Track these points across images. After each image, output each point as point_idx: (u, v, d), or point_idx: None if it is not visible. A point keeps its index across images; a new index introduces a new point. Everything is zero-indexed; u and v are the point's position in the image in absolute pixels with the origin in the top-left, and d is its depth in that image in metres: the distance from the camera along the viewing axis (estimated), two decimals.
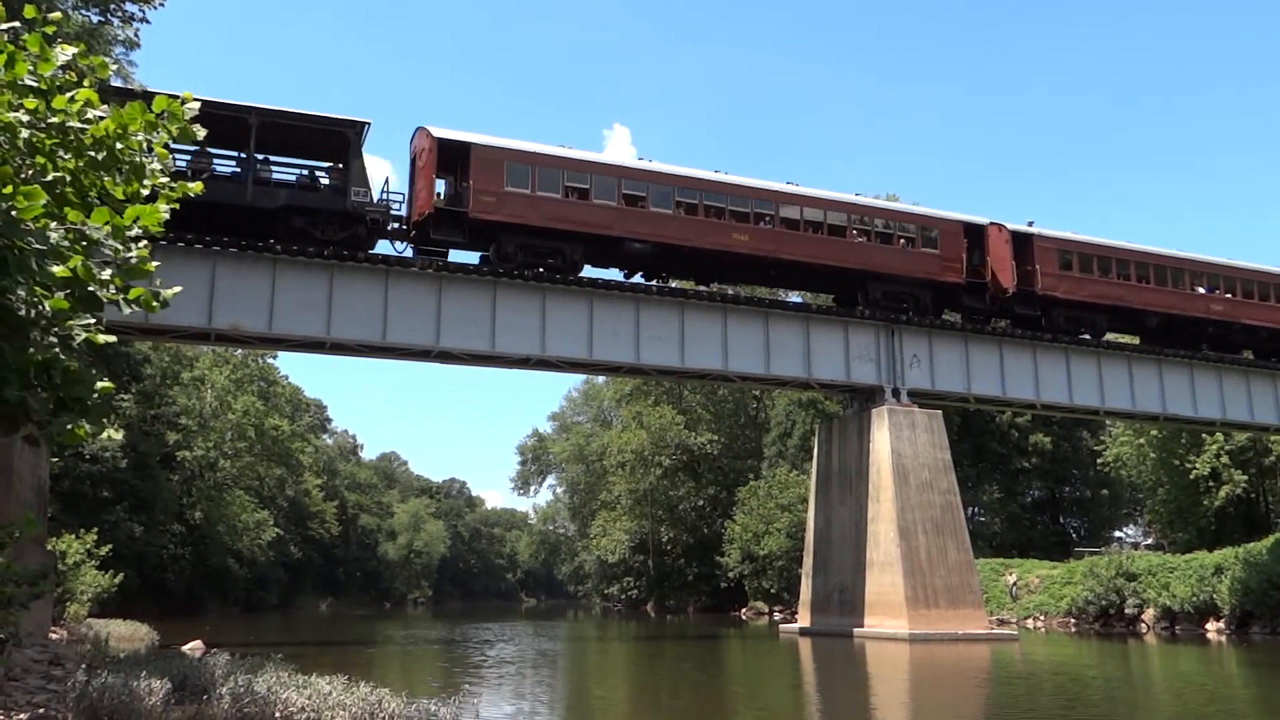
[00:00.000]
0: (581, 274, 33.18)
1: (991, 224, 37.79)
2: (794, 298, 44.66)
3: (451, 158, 30.25)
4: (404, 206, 30.55)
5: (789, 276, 37.42)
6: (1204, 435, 52.36)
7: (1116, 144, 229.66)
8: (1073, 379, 38.91)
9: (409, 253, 30.93)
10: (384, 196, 29.88)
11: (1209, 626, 40.58)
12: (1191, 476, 53.58)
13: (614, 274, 35.13)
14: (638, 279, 34.68)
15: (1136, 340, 42.14)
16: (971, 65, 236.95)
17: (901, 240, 35.88)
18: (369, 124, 29.10)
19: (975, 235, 37.22)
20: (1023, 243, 37.40)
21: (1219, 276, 40.92)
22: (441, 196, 30.75)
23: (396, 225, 30.56)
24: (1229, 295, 40.72)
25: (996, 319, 38.49)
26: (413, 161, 31.05)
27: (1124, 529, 75.34)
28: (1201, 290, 40.42)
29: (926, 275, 36.04)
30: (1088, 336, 39.02)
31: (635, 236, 32.09)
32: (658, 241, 32.35)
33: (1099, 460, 64.29)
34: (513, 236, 30.71)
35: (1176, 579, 42.26)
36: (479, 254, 32.32)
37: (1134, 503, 71.81)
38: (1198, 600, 40.74)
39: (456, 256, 31.86)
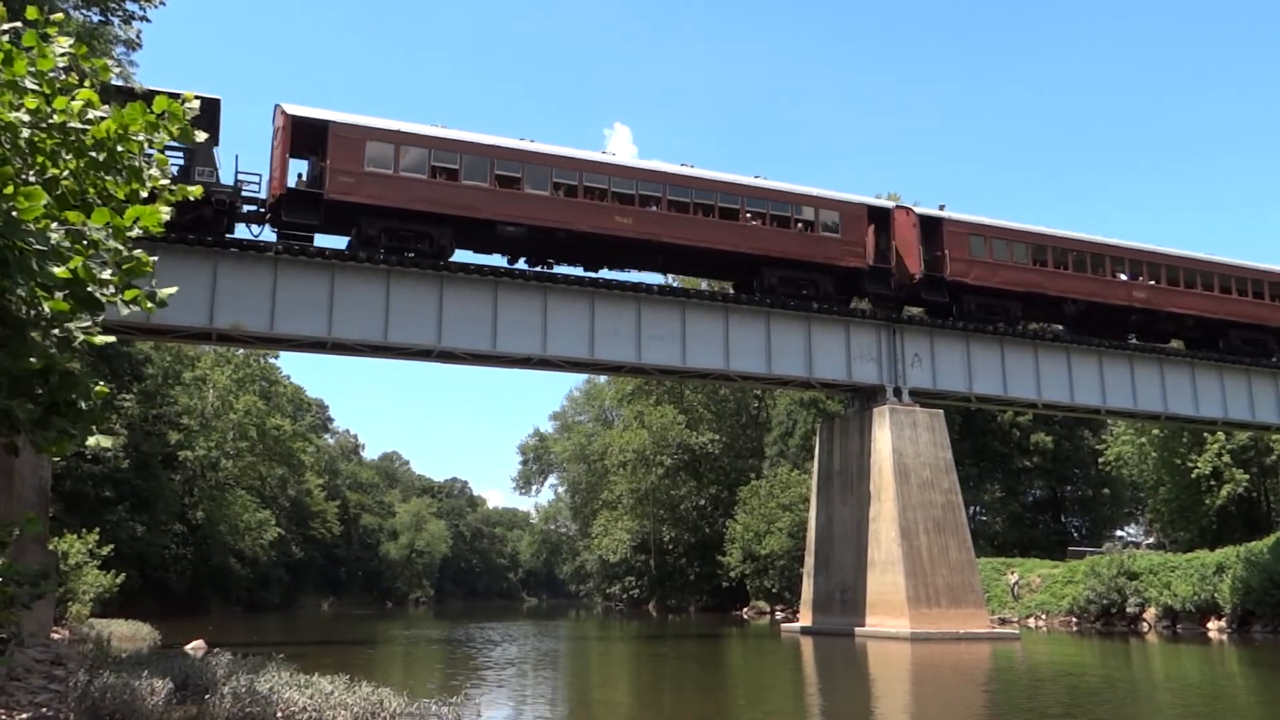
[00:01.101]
0: (583, 274, 33.22)
1: (898, 207, 36.84)
2: (703, 284, 43.28)
3: (310, 137, 29.11)
4: (263, 188, 29.42)
5: (678, 262, 35.47)
6: (1205, 434, 52.33)
7: (1116, 144, 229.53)
8: (1074, 378, 38.89)
9: (270, 236, 29.83)
10: (238, 177, 28.91)
11: (1210, 625, 40.56)
12: (1193, 475, 53.56)
13: (616, 274, 35.06)
14: (650, 274, 34.90)
15: (1059, 328, 41.26)
16: (972, 65, 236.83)
17: (799, 224, 34.53)
18: (219, 100, 27.34)
19: (881, 219, 36.03)
20: (932, 227, 36.25)
21: (1142, 263, 39.65)
22: (303, 178, 29.60)
23: (256, 208, 29.44)
24: (1152, 282, 39.45)
25: (903, 306, 37.45)
26: (272, 141, 30.03)
27: (1125, 528, 75.34)
28: (1123, 277, 39.16)
29: (826, 260, 34.64)
30: (1002, 324, 37.63)
31: (508, 219, 30.64)
32: (533, 225, 30.94)
33: (1100, 459, 64.26)
34: (374, 219, 29.32)
35: (1178, 578, 42.24)
36: (345, 238, 31.00)
37: (1135, 502, 71.77)
38: (1199, 599, 40.72)
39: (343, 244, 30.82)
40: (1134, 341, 40.76)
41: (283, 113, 29.15)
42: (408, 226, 29.91)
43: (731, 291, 36.04)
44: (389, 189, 29.20)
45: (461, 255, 32.26)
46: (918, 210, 36.44)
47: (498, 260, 32.93)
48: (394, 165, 29.30)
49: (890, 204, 36.54)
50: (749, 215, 33.97)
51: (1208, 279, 40.48)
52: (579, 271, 33.62)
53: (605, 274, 34.07)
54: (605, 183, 32.11)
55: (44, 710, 10.79)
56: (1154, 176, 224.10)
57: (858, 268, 34.99)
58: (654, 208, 32.68)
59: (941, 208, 37.17)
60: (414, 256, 30.45)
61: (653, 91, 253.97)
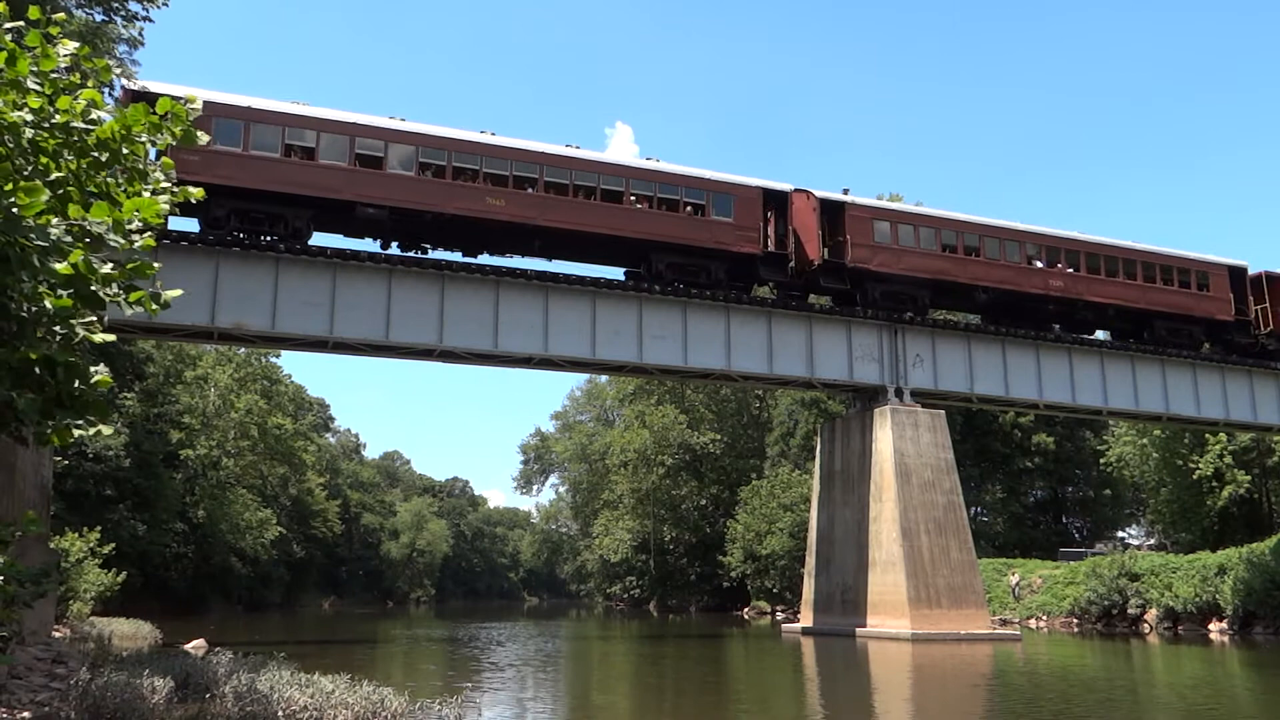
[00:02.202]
0: (584, 274, 33.21)
1: (797, 190, 35.36)
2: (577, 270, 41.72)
3: None
4: None
5: (558, 246, 33.39)
6: (1207, 435, 52.29)
7: (1117, 144, 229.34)
8: (1075, 379, 38.87)
9: None
10: None
11: (1212, 627, 40.50)
12: (1194, 476, 53.51)
13: (616, 273, 34.99)
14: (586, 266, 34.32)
15: (975, 317, 40.53)
16: (973, 65, 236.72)
17: (689, 207, 33.12)
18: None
19: (778, 203, 34.59)
20: (834, 212, 35.07)
21: (1060, 250, 38.40)
22: None
23: None
24: (1071, 270, 38.15)
25: (804, 293, 36.32)
26: None
27: (1127, 529, 75.26)
28: (1040, 264, 37.89)
29: (718, 245, 33.26)
30: (910, 314, 36.48)
31: (369, 200, 29.14)
32: (396, 206, 29.61)
33: (1102, 460, 64.21)
34: (223, 201, 27.78)
35: (1179, 579, 42.19)
36: (196, 221, 29.53)
37: (1137, 503, 71.72)
38: (1200, 601, 40.67)
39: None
40: (1057, 330, 39.82)
41: (125, 91, 27.70)
42: (260, 208, 28.52)
43: (734, 292, 35.70)
44: (238, 169, 27.68)
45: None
46: (818, 194, 35.13)
47: (388, 248, 31.81)
48: (243, 143, 27.99)
49: (788, 187, 34.84)
50: (633, 199, 32.56)
51: (1130, 267, 39.25)
52: (580, 270, 33.65)
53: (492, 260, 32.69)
54: (476, 163, 30.63)
55: (45, 708, 10.79)
56: (1155, 177, 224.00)
57: (752, 253, 33.66)
58: (530, 190, 31.24)
59: (845, 192, 35.90)
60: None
61: (654, 91, 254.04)
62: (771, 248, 34.19)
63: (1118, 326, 40.94)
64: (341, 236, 32.01)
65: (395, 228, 30.89)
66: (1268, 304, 41.09)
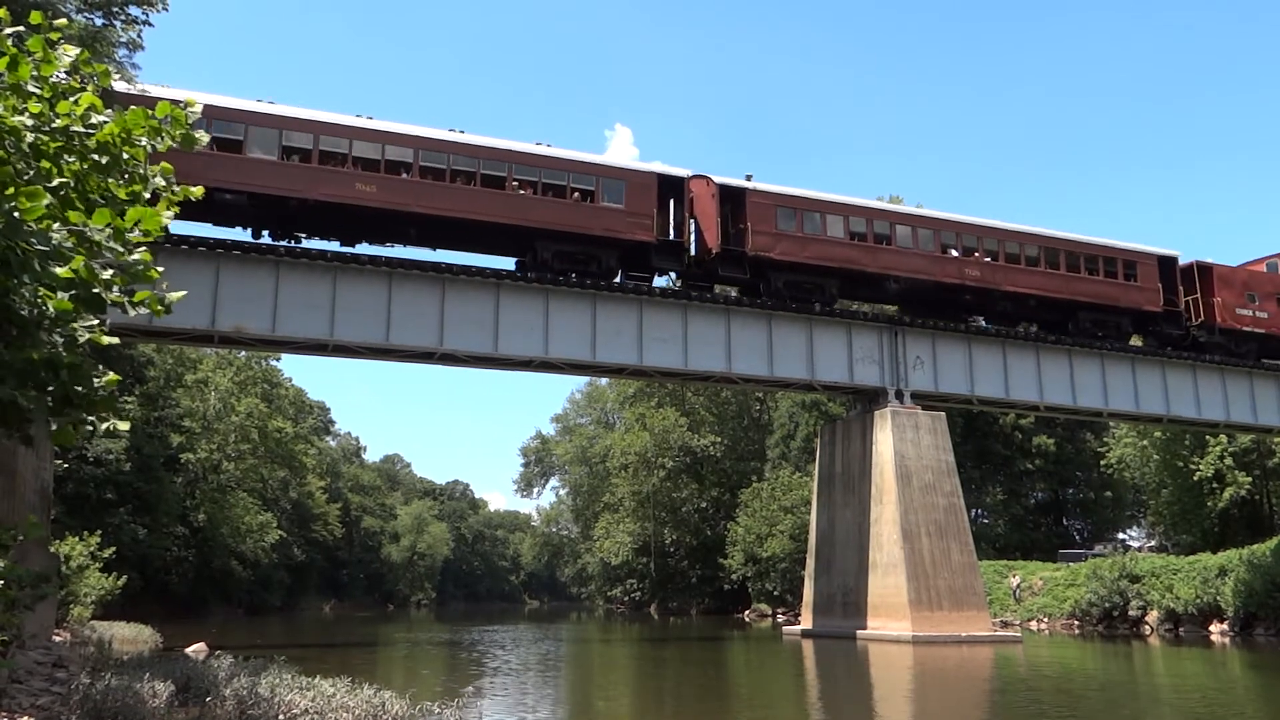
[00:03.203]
0: (584, 278, 33.17)
1: (696, 176, 34.29)
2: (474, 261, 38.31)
3: None
4: None
5: (435, 234, 31.95)
6: (1207, 437, 52.27)
7: (1118, 144, 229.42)
8: (1076, 380, 38.87)
9: None
10: None
11: (1213, 628, 40.48)
12: (1195, 478, 53.49)
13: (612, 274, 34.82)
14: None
15: (889, 308, 39.39)
16: (974, 65, 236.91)
17: (577, 193, 31.84)
18: None
19: (675, 189, 33.35)
20: (735, 199, 33.86)
21: (977, 238, 37.25)
22: None
23: None
24: (988, 259, 36.95)
25: (709, 283, 34.89)
26: None
27: (1127, 531, 75.24)
28: (955, 253, 36.71)
29: (608, 233, 31.99)
30: (818, 305, 35.42)
31: (226, 186, 27.59)
32: (256, 192, 28.32)
33: (1102, 462, 64.20)
34: None
35: (1180, 581, 42.16)
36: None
37: (1137, 504, 71.70)
38: (1201, 602, 40.65)
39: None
40: (979, 320, 39.09)
41: None
42: None
43: (734, 293, 35.70)
44: None
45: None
46: (718, 180, 33.93)
47: (226, 234, 30.83)
48: None
49: (686, 173, 33.60)
50: (516, 184, 31.24)
51: (1053, 257, 38.16)
52: (586, 273, 33.47)
53: (359, 250, 31.40)
54: (345, 146, 29.37)
55: (46, 712, 10.79)
56: (1155, 177, 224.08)
57: (645, 241, 32.36)
58: (404, 175, 30.05)
59: (749, 178, 34.57)
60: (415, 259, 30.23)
61: (654, 92, 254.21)
62: (667, 235, 32.99)
63: (1042, 318, 39.72)
64: (341, 238, 31.82)
65: (259, 215, 29.52)
66: (1199, 295, 39.97)
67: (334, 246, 30.98)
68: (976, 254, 37.06)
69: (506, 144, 31.83)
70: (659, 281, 35.38)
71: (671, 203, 33.37)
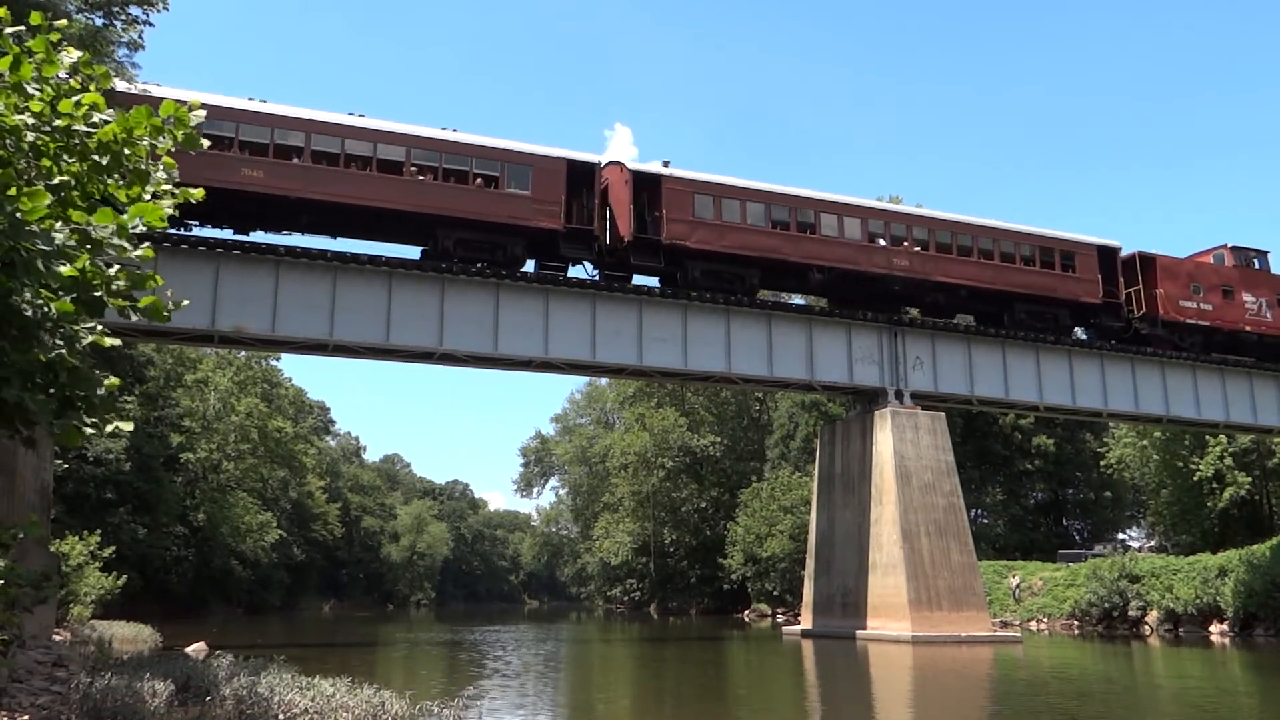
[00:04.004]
0: (584, 276, 33.18)
1: (611, 163, 33.38)
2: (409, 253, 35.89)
3: None
4: None
5: (329, 221, 30.65)
6: (1207, 437, 52.29)
7: (1118, 144, 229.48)
8: (1075, 381, 38.86)
9: None
10: None
11: (1212, 629, 40.47)
12: (1195, 478, 53.52)
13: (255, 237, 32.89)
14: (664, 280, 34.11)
15: (812, 299, 38.35)
16: (974, 65, 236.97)
17: (480, 179, 30.69)
18: None
19: (585, 176, 32.16)
20: (651, 186, 32.73)
21: (907, 227, 36.33)
22: None
23: None
24: (918, 249, 36.00)
25: (626, 273, 33.70)
26: None
27: (1127, 531, 75.27)
28: (883, 243, 35.72)
29: (513, 220, 30.84)
30: (738, 296, 34.43)
31: None
32: None
33: (1102, 462, 64.23)
34: None
35: (1180, 581, 42.16)
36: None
37: (1137, 505, 71.73)
38: (1201, 602, 40.64)
39: None
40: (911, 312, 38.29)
41: None
42: None
43: (733, 294, 35.57)
44: None
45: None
46: (631, 166, 32.96)
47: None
48: None
49: (597, 159, 32.64)
50: (415, 169, 30.11)
51: (986, 246, 37.22)
52: (582, 274, 33.50)
53: (241, 236, 30.23)
54: (231, 130, 28.02)
55: (45, 712, 10.79)
56: (1154, 176, 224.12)
57: (552, 229, 31.25)
58: (295, 159, 28.88)
59: (666, 164, 33.61)
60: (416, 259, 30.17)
61: (654, 91, 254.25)
62: (577, 223, 31.92)
63: (976, 309, 39.16)
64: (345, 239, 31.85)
65: None
66: (1141, 286, 39.10)
67: (335, 246, 30.99)
68: (906, 243, 36.06)
69: (405, 128, 30.72)
70: (639, 279, 34.46)
71: (582, 189, 32.11)
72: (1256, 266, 41.58)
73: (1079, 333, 41.33)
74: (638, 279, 34.13)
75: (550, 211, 31.16)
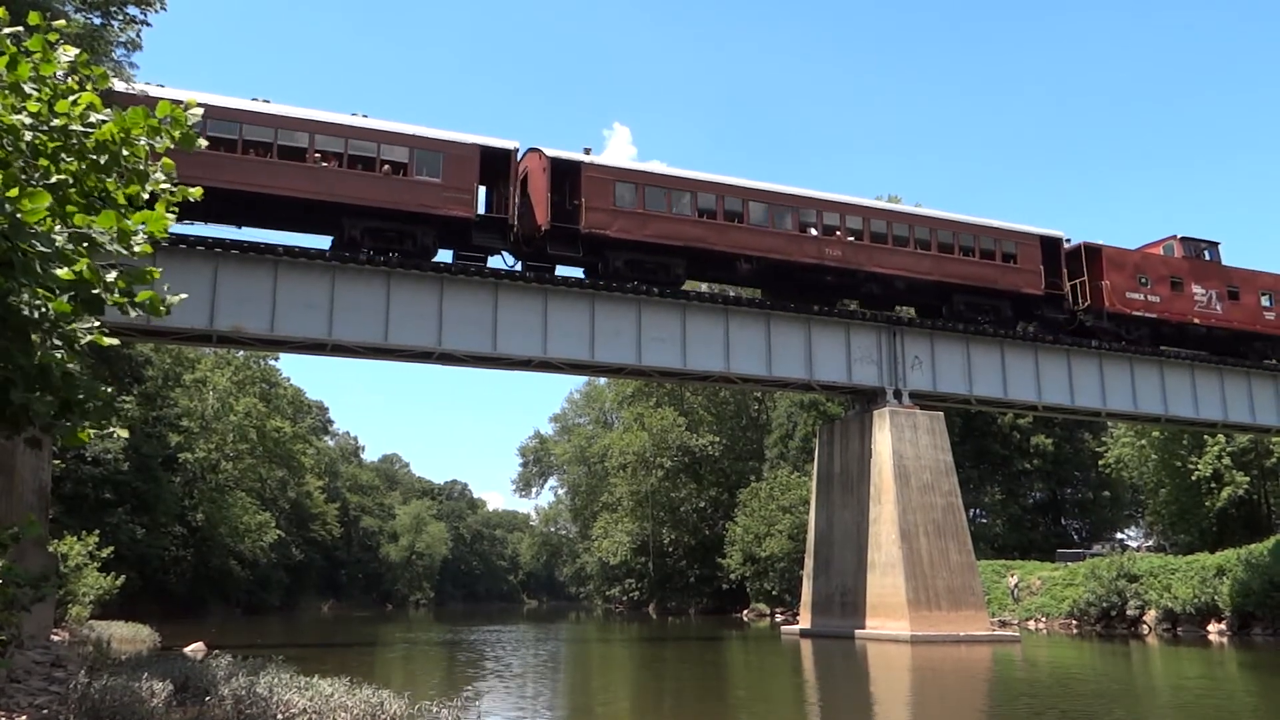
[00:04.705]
0: (583, 275, 33.16)
1: (531, 150, 32.70)
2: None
3: None
4: None
5: (226, 210, 29.31)
6: (1205, 436, 52.35)
7: (1116, 144, 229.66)
8: (1074, 380, 38.89)
9: None
10: None
11: (1210, 628, 40.52)
12: (1193, 478, 53.58)
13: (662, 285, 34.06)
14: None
15: (741, 290, 37.42)
16: (974, 65, 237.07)
17: (385, 166, 29.67)
18: None
19: (499, 163, 31.23)
20: (571, 174, 31.98)
21: (840, 217, 35.35)
22: None
23: None
24: (851, 239, 35.20)
25: (537, 262, 32.69)
26: None
27: (1125, 530, 75.36)
28: (815, 232, 34.91)
29: (424, 209, 29.82)
30: (657, 289, 33.68)
31: None
32: None
33: (1100, 462, 64.28)
34: None
35: (1178, 581, 42.21)
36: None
37: (1136, 504, 71.82)
38: (1199, 602, 40.69)
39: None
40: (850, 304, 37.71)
41: None
42: None
43: (732, 294, 35.67)
44: None
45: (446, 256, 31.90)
46: (550, 153, 32.08)
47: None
48: None
49: (512, 145, 31.43)
50: (318, 156, 29.05)
51: (923, 236, 36.48)
52: (577, 272, 33.44)
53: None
54: None
55: (44, 712, 10.79)
56: (1154, 176, 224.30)
57: (464, 217, 30.25)
58: None
59: (587, 151, 32.96)
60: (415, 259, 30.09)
61: (653, 91, 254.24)
62: (491, 211, 31.29)
63: (914, 301, 38.67)
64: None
65: None
66: (1086, 278, 38.35)
67: (281, 241, 30.47)
68: (839, 233, 35.23)
69: (308, 113, 29.60)
70: (565, 270, 33.68)
71: (496, 177, 31.35)
72: (1207, 258, 40.95)
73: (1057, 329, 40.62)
74: (585, 272, 33.38)
75: (462, 200, 30.21)
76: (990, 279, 37.22)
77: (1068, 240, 39.20)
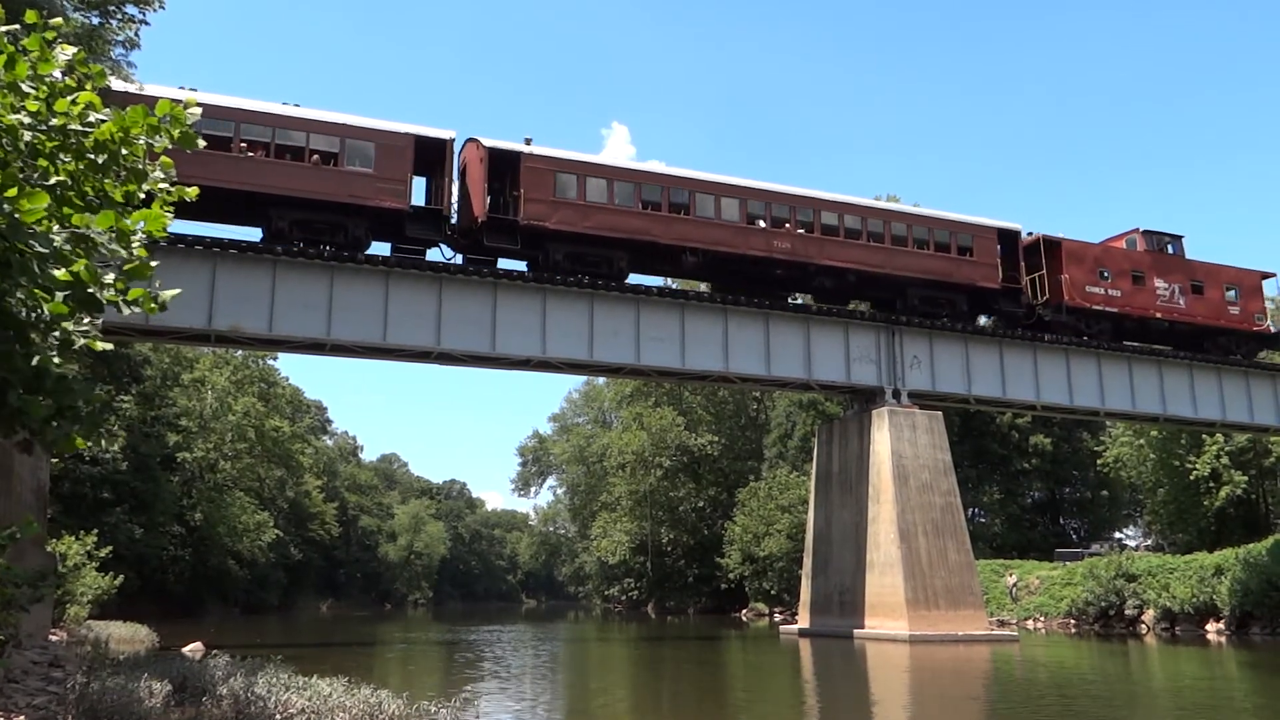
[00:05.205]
0: (581, 275, 33.13)
1: (470, 140, 32.18)
2: (702, 286, 36.53)
3: None
4: None
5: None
6: (1204, 436, 52.36)
7: (1116, 144, 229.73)
8: (1073, 380, 38.89)
9: None
10: None
11: (1209, 627, 40.55)
12: (1191, 477, 53.58)
13: (644, 280, 34.29)
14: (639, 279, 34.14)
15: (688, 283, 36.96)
16: (973, 64, 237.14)
17: (315, 156, 28.83)
18: None
19: (435, 153, 30.60)
20: (510, 164, 31.28)
21: (790, 208, 34.74)
22: None
23: None
24: (801, 231, 34.54)
25: (476, 254, 31.95)
26: None
27: (1124, 530, 75.42)
28: (764, 224, 34.32)
29: (354, 200, 29.09)
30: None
31: None
32: None
33: (1099, 461, 64.32)
34: None
35: (1176, 580, 42.25)
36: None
37: (1134, 504, 71.85)
38: (1197, 601, 40.72)
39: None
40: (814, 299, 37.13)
41: None
42: None
43: (731, 295, 35.54)
44: None
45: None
46: (487, 143, 31.32)
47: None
48: None
49: (449, 135, 30.70)
50: (244, 145, 28.24)
51: (876, 229, 35.98)
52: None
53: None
54: None
55: (42, 712, 10.77)
56: (1154, 176, 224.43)
57: (397, 209, 29.51)
58: None
59: (528, 141, 31.99)
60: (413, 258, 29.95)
61: (651, 90, 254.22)
62: (427, 203, 30.75)
63: (867, 295, 38.28)
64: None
65: None
66: (1044, 272, 37.82)
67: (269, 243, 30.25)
68: (788, 225, 34.54)
69: (234, 101, 28.65)
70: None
71: (426, 165, 30.79)
72: (1170, 252, 40.51)
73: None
74: (529, 266, 32.79)
75: (395, 191, 29.47)
76: (945, 272, 36.70)
77: (1029, 234, 38.84)
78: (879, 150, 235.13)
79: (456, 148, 31.52)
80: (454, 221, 31.45)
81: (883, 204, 36.86)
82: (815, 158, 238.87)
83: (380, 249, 31.21)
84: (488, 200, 30.81)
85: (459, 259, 31.95)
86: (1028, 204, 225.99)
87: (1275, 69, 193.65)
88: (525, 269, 32.59)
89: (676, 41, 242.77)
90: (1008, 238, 38.22)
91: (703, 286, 39.80)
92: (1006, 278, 37.64)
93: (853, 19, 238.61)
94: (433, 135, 30.38)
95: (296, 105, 29.60)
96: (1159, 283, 39.46)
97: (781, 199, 34.96)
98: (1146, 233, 40.38)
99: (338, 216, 29.46)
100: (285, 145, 28.79)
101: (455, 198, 31.62)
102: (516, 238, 31.15)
